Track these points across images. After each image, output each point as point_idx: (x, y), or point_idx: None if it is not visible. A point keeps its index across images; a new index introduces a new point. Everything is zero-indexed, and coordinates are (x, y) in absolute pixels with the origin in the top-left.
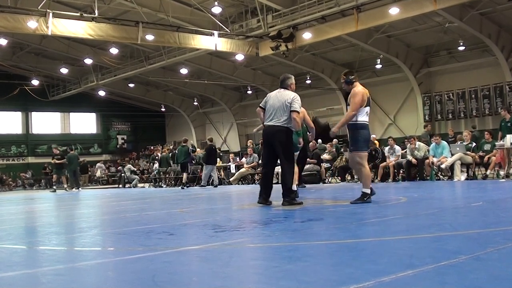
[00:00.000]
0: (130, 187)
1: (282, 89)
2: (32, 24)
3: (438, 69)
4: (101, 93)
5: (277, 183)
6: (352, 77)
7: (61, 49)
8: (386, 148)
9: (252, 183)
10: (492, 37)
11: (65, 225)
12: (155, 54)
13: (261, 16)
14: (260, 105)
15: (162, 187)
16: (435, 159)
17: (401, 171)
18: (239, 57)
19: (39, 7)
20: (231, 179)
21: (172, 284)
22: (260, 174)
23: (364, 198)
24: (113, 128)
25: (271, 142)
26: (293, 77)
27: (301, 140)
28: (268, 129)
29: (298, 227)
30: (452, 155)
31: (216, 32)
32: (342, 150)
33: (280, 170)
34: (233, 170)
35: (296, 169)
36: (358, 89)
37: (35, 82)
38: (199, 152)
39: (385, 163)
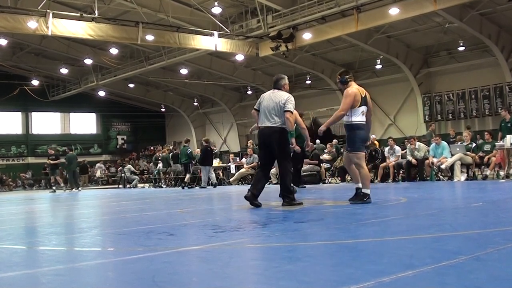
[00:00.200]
0: (130, 187)
1: (276, 90)
2: (32, 24)
3: (438, 69)
4: (101, 93)
5: (277, 183)
6: (347, 76)
7: (61, 49)
8: (386, 149)
9: None
10: (492, 38)
11: (65, 226)
12: (155, 55)
13: (261, 17)
14: (255, 107)
15: (162, 187)
16: (435, 160)
17: (401, 172)
18: (239, 57)
19: (39, 7)
20: (231, 180)
21: (172, 285)
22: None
23: (364, 198)
24: (113, 129)
25: (267, 143)
26: (286, 77)
27: (293, 140)
28: (263, 131)
29: (298, 227)
30: (452, 155)
31: (216, 33)
32: (342, 150)
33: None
34: (233, 171)
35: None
36: (352, 89)
37: (35, 82)
38: (196, 152)
39: (385, 163)
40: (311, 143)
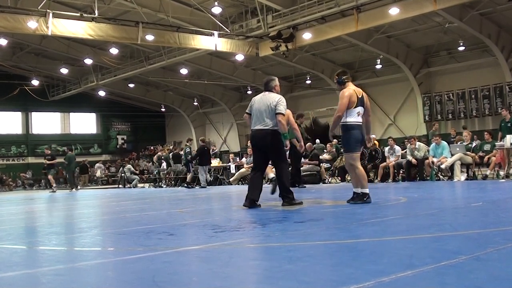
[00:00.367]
0: (130, 187)
1: (267, 92)
2: (32, 24)
3: (438, 69)
4: (101, 93)
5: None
6: (344, 77)
7: (61, 49)
8: (386, 148)
9: None
10: (492, 38)
11: (65, 225)
12: (155, 54)
13: (261, 16)
14: (246, 111)
15: (162, 187)
16: (435, 159)
17: (401, 171)
18: (239, 57)
19: (39, 7)
20: (231, 179)
21: (172, 284)
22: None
23: (364, 198)
24: (113, 128)
25: (260, 146)
26: (277, 79)
27: (287, 142)
28: (256, 133)
29: (298, 227)
30: (452, 155)
31: (216, 32)
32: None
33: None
34: (233, 170)
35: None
36: (348, 91)
37: (35, 82)
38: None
39: (385, 163)
40: (309, 143)
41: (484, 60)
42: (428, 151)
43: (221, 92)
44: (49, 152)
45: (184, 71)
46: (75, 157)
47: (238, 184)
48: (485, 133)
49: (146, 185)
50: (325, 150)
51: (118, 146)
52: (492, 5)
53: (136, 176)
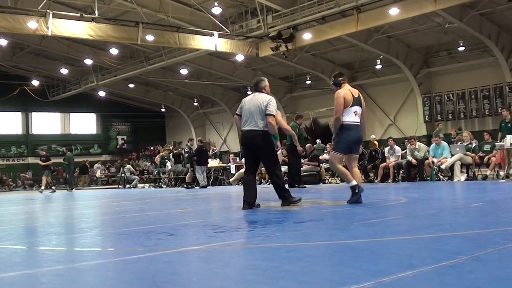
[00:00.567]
0: (130, 187)
1: (257, 93)
2: (32, 24)
3: (438, 69)
4: (101, 93)
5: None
6: (340, 79)
7: (61, 49)
8: (386, 149)
9: None
10: (492, 38)
11: (65, 226)
12: (155, 55)
13: (261, 17)
14: (237, 112)
15: (162, 187)
16: (435, 160)
17: (401, 172)
18: (239, 57)
19: (39, 8)
20: (231, 180)
21: (172, 285)
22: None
23: (355, 190)
24: (113, 129)
25: (250, 146)
26: (266, 79)
27: (278, 143)
28: (246, 134)
29: (298, 227)
30: (452, 155)
31: (216, 33)
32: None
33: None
34: (233, 171)
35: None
36: (344, 91)
37: (35, 83)
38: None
39: (385, 163)
40: (309, 144)
41: (484, 61)
42: (428, 151)
43: (221, 92)
44: (44, 153)
45: (184, 71)
46: (73, 157)
47: (238, 184)
48: (485, 133)
49: (146, 185)
50: (325, 151)
51: (118, 147)
52: (492, 5)
53: (136, 177)
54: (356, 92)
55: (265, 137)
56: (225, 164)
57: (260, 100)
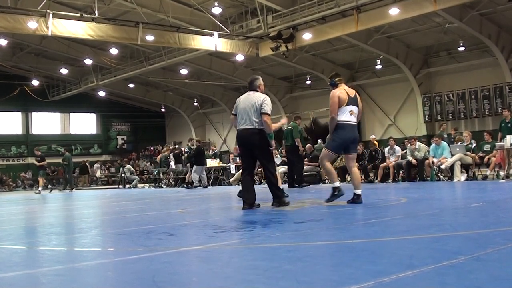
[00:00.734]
0: (130, 187)
1: (252, 92)
2: (32, 24)
3: (438, 69)
4: (101, 93)
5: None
6: (336, 79)
7: (61, 49)
8: (386, 149)
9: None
10: (492, 38)
11: (65, 226)
12: (155, 55)
13: (261, 17)
14: (233, 112)
15: (162, 187)
16: (435, 160)
17: (401, 172)
18: (239, 57)
19: (39, 8)
20: (231, 180)
21: (172, 285)
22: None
23: (334, 193)
24: (113, 129)
25: (246, 145)
26: (260, 78)
27: (273, 142)
28: (242, 133)
29: (298, 227)
30: (452, 155)
31: (216, 33)
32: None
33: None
34: (233, 171)
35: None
36: (340, 91)
37: (35, 83)
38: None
39: (385, 163)
40: (309, 145)
41: (484, 61)
42: (428, 151)
43: (221, 92)
44: (39, 153)
45: (184, 71)
46: (71, 157)
47: (238, 184)
48: (485, 133)
49: (146, 185)
50: None
51: (118, 147)
52: (492, 6)
53: (136, 177)
54: (352, 92)
55: (261, 135)
56: (225, 164)
57: (255, 99)
